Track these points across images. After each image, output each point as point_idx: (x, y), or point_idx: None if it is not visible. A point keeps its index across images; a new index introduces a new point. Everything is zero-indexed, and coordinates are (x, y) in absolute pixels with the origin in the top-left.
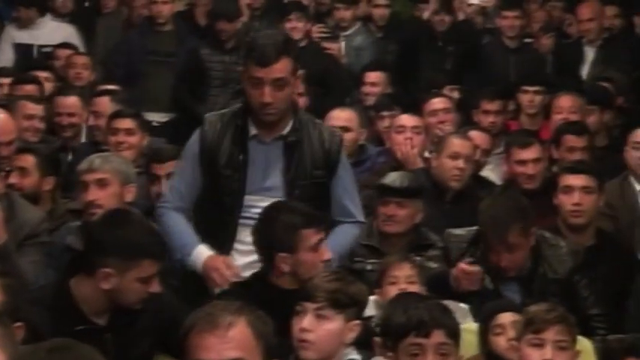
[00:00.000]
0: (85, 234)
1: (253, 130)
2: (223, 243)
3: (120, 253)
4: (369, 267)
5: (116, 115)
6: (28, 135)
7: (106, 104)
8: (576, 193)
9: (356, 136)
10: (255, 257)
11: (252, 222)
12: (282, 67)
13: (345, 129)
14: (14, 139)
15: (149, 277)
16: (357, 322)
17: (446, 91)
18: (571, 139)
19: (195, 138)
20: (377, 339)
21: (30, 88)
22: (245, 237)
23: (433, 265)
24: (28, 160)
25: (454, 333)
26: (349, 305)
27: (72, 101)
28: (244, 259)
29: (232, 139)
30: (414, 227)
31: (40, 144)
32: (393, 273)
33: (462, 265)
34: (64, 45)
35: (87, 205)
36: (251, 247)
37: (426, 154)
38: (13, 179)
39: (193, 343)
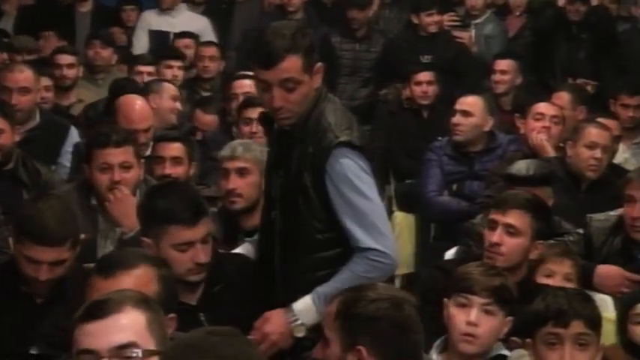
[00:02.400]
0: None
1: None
2: None
3: (148, 221)
4: None
5: (248, 104)
6: (171, 117)
7: (243, 87)
8: None
9: (479, 122)
10: None
11: None
12: (289, 66)
13: (466, 113)
14: (151, 125)
15: (183, 244)
16: (511, 318)
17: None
18: None
19: None
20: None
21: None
22: None
23: None
24: (180, 149)
25: (594, 323)
26: (510, 301)
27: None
28: None
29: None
30: None
31: (172, 130)
32: (552, 266)
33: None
34: (185, 34)
35: (227, 194)
36: None
37: (560, 144)
38: (169, 170)
39: None
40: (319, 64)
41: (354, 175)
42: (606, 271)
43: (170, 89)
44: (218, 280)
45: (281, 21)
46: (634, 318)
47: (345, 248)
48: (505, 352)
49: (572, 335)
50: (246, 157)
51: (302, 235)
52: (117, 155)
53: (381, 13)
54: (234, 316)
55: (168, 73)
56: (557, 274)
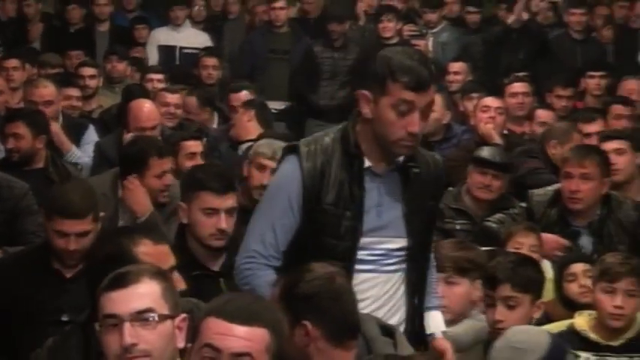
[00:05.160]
0: None
1: (367, 162)
2: None
3: (186, 188)
4: (457, 227)
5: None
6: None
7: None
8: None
9: (439, 116)
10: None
11: (365, 267)
12: (432, 92)
13: None
14: (157, 124)
15: (210, 209)
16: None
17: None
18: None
19: (289, 174)
20: None
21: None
22: (357, 286)
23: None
24: (198, 146)
25: (523, 285)
26: (472, 269)
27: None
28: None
29: (341, 171)
30: (501, 195)
31: (179, 129)
32: (520, 240)
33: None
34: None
35: (257, 187)
36: (361, 296)
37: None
38: (189, 162)
39: None
40: None
41: None
42: (546, 238)
43: (161, 96)
44: (237, 250)
45: (409, 47)
46: (568, 277)
47: None
48: (481, 316)
49: (501, 297)
50: None
51: (426, 255)
52: (168, 163)
53: (367, 27)
54: None
55: None
56: (525, 245)
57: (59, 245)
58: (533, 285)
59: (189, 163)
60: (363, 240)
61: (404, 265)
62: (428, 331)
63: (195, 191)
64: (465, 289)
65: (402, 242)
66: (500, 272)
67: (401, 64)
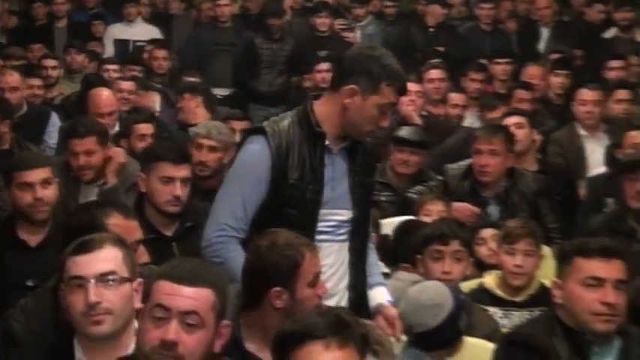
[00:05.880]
0: None
1: (327, 141)
2: None
3: (145, 159)
4: (383, 198)
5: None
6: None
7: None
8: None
9: None
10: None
11: (322, 237)
12: None
13: None
14: (114, 111)
15: (167, 177)
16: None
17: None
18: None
19: (258, 153)
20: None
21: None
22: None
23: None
24: (149, 129)
25: (467, 242)
26: None
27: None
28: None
29: (303, 149)
30: (420, 169)
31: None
32: (429, 207)
33: (471, 207)
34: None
35: (197, 164)
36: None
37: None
38: (141, 143)
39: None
40: None
41: None
42: (459, 206)
43: (116, 84)
44: (190, 218)
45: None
46: (478, 241)
47: None
48: (386, 269)
49: (451, 252)
50: (218, 138)
51: (366, 226)
52: (83, 144)
53: (293, 20)
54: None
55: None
56: (433, 212)
57: (26, 200)
58: (470, 243)
59: (140, 144)
60: (320, 211)
61: (349, 236)
62: (374, 303)
63: (153, 162)
64: None
65: (349, 214)
66: (450, 230)
67: (394, 70)
